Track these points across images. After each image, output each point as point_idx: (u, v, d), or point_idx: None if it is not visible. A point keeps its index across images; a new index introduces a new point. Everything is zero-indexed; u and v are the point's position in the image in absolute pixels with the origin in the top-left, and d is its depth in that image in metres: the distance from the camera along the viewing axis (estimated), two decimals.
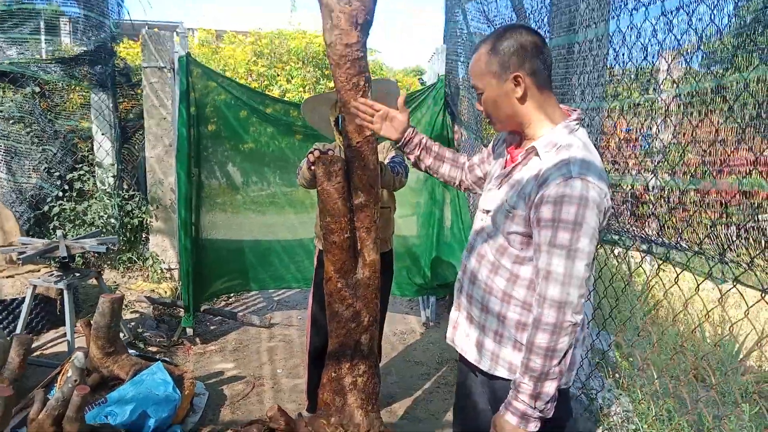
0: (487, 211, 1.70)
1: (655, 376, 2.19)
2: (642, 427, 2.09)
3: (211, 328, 4.67)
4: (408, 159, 2.10)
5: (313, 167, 2.44)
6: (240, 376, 3.80)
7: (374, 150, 2.34)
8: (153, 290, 4.88)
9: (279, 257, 4.63)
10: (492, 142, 1.94)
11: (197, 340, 4.34)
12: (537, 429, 1.52)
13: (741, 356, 2.64)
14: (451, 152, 2.07)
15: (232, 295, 5.24)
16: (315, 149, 2.55)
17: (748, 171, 1.58)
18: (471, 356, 1.74)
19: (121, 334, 3.79)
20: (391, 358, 4.10)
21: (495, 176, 1.75)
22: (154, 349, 4.09)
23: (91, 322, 2.99)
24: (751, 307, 1.38)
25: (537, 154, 1.55)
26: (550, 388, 1.48)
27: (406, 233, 4.81)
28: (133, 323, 4.29)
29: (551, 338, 1.45)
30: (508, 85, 1.56)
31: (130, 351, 3.71)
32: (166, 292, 4.89)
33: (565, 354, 1.47)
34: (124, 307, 4.61)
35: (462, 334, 1.78)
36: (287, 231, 4.78)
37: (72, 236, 4.45)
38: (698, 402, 2.09)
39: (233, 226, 4.67)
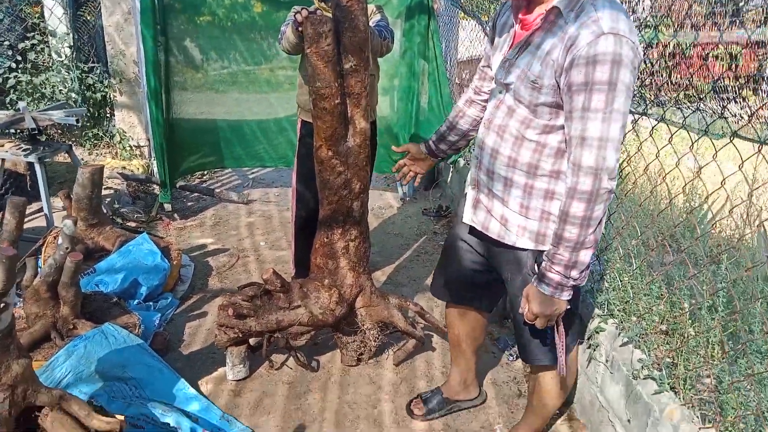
0: (507, 85, 1.61)
1: (630, 242, 2.32)
2: (618, 282, 2.24)
3: (189, 204, 4.65)
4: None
5: (300, 29, 2.32)
6: (223, 249, 3.86)
7: (364, 11, 2.23)
8: (124, 168, 4.77)
9: (254, 135, 4.53)
10: (492, 20, 1.85)
11: (176, 215, 4.33)
12: (570, 297, 1.58)
13: (712, 221, 2.81)
14: (465, 103, 2.02)
15: (206, 172, 5.17)
16: (303, 8, 2.41)
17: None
18: (494, 232, 1.76)
19: None
20: (371, 230, 4.20)
21: (507, 46, 1.64)
22: (133, 224, 4.08)
23: (72, 194, 2.93)
24: (746, 160, 1.44)
25: (559, 15, 1.43)
26: (585, 256, 1.49)
27: (383, 113, 4.74)
28: (108, 199, 4.23)
29: (587, 207, 1.43)
30: None
31: None
32: (138, 168, 4.79)
33: (600, 222, 1.47)
34: None
35: (482, 211, 1.79)
36: (262, 109, 4.64)
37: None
38: (669, 264, 2.24)
39: (204, 104, 4.50)
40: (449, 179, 4.64)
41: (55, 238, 3.08)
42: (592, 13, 1.37)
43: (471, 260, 2.00)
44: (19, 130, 3.86)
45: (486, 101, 1.90)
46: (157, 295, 3.05)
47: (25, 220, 3.85)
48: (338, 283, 2.49)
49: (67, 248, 2.30)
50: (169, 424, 2.17)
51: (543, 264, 1.55)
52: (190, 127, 4.27)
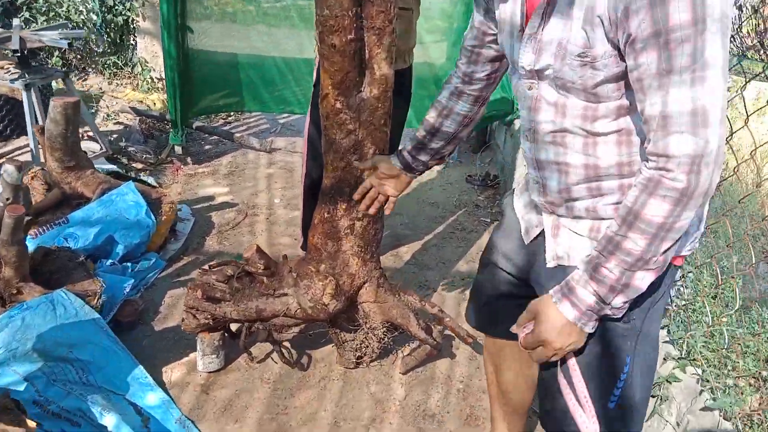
0: (539, 72, 1.10)
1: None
2: (707, 314, 1.63)
3: (206, 148, 4.20)
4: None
5: None
6: (232, 203, 3.40)
7: None
8: (141, 101, 4.35)
9: (282, 77, 3.97)
10: None
11: (188, 159, 3.90)
12: (593, 329, 1.07)
13: None
14: (450, 97, 1.48)
15: (231, 114, 4.70)
16: None
17: None
18: (581, 255, 1.15)
19: (98, 147, 3.34)
20: (402, 197, 3.66)
21: (519, 16, 1.12)
22: (139, 166, 3.67)
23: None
24: None
25: None
26: (643, 281, 0.99)
27: (434, 60, 4.09)
28: (115, 135, 3.83)
29: (672, 210, 0.93)
30: None
31: (110, 166, 3.29)
32: (155, 103, 4.36)
33: (681, 235, 0.96)
34: (106, 116, 4.12)
35: (566, 237, 1.21)
36: (294, 48, 4.07)
37: None
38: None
39: (230, 36, 3.97)
40: (502, 142, 3.99)
41: (32, 178, 2.68)
42: None
43: (506, 281, 1.45)
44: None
45: (481, 92, 1.45)
46: (139, 255, 2.63)
47: (20, 152, 3.51)
48: (337, 270, 1.98)
49: (7, 199, 1.87)
50: (106, 428, 1.76)
51: (577, 276, 1.06)
52: (209, 62, 3.76)
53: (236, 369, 2.15)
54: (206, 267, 1.99)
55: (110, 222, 2.52)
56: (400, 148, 1.66)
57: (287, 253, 2.83)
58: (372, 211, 1.75)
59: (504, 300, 1.47)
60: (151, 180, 3.32)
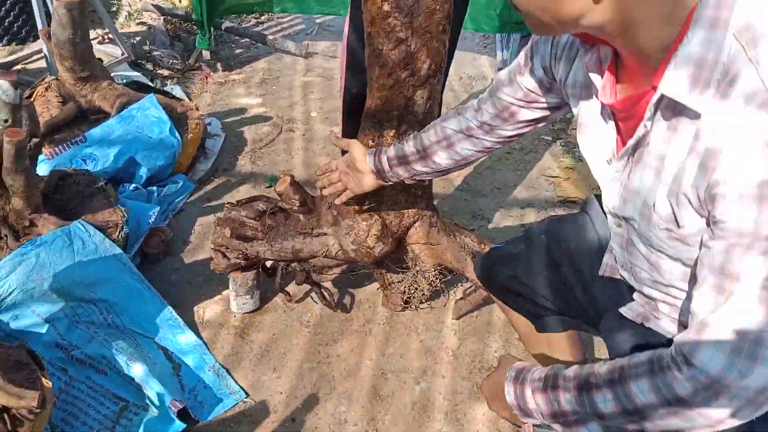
0: (626, 219, 0.93)
1: None
2: None
3: (237, 52, 3.85)
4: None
5: None
6: (266, 116, 3.11)
7: None
8: None
9: None
10: (531, 45, 1.08)
11: (218, 65, 3.57)
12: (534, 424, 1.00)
13: None
14: (459, 130, 1.25)
15: (264, 13, 4.27)
16: None
17: None
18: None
19: (119, 51, 3.04)
20: (454, 107, 3.29)
21: (609, 142, 0.92)
22: (165, 72, 3.38)
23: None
24: None
25: (680, 106, 0.74)
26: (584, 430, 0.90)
27: None
28: (138, 38, 3.50)
29: (656, 406, 0.79)
30: None
31: (134, 73, 3.01)
32: (181, 0, 3.96)
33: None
34: (128, 16, 3.78)
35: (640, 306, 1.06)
36: None
37: None
38: None
39: None
40: None
41: (46, 89, 2.43)
42: (747, 90, 0.68)
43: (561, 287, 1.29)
44: None
45: (495, 145, 1.25)
46: (166, 177, 2.41)
47: (38, 57, 3.24)
48: (383, 208, 1.71)
49: (5, 121, 1.62)
50: (133, 378, 1.61)
51: (537, 375, 0.98)
52: None
53: (273, 309, 1.96)
54: (234, 202, 1.74)
55: (131, 141, 2.28)
56: (380, 147, 1.42)
57: None
58: (327, 193, 1.54)
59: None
60: (177, 90, 3.04)
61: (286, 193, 1.67)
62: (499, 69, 3.72)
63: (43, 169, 2.14)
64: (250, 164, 2.70)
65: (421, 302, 1.97)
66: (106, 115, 2.38)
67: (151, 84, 2.90)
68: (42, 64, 3.02)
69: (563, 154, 2.89)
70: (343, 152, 2.43)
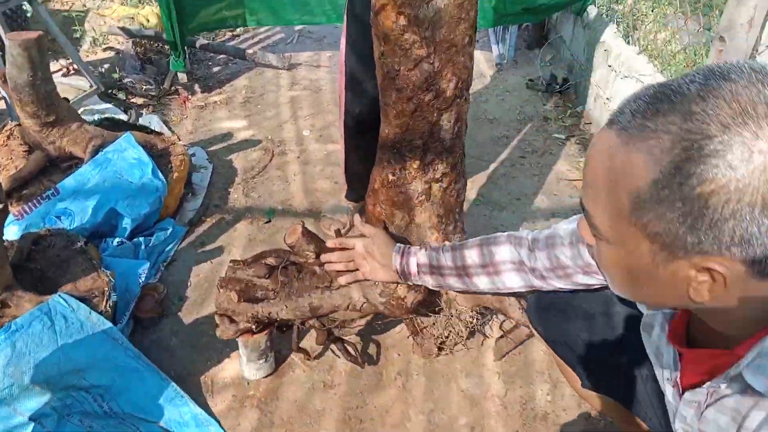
0: None
1: None
2: None
3: (215, 70, 3.58)
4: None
5: None
6: (254, 140, 2.86)
7: None
8: (132, 17, 3.68)
9: None
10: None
11: (196, 87, 3.31)
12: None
13: None
14: (508, 261, 1.16)
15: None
16: None
17: None
18: None
19: (87, 83, 2.77)
20: None
21: (669, 387, 0.82)
22: (140, 101, 3.10)
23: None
24: None
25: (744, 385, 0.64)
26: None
27: None
28: (107, 65, 3.22)
29: None
30: (680, 269, 0.60)
31: (105, 106, 2.74)
32: (148, 19, 3.69)
33: None
34: (93, 42, 3.50)
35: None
36: None
37: None
38: None
39: None
40: (570, 35, 3.29)
41: (8, 137, 2.16)
42: None
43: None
44: None
45: (542, 288, 1.15)
46: (152, 225, 2.15)
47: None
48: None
49: None
50: None
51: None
52: None
53: (290, 370, 1.72)
54: (239, 260, 1.50)
55: (110, 189, 2.02)
56: (409, 247, 1.29)
57: (330, 202, 2.35)
58: (332, 269, 1.40)
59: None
60: (154, 121, 2.78)
61: (298, 245, 1.43)
62: (497, 64, 3.50)
63: (12, 232, 1.88)
64: (244, 197, 2.45)
65: (456, 344, 1.74)
66: (78, 162, 2.13)
67: (125, 118, 2.64)
68: (1, 106, 2.74)
69: (580, 153, 2.68)
70: (348, 176, 2.22)
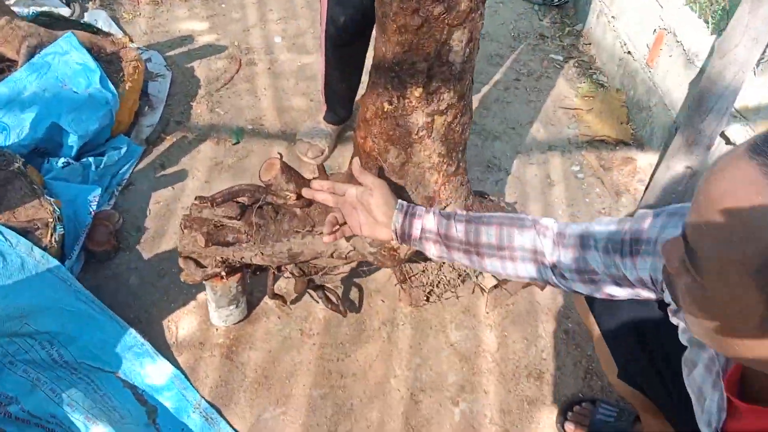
0: None
1: None
2: None
3: None
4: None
5: None
6: (219, 46, 2.53)
7: None
8: None
9: None
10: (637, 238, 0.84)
11: None
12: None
13: None
14: (530, 236, 0.96)
15: None
16: None
17: None
18: None
19: None
20: None
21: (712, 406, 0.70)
22: None
23: None
24: None
25: None
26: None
27: None
28: None
29: None
30: None
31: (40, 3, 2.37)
32: None
33: None
34: None
35: None
36: None
37: None
38: None
39: None
40: None
41: None
42: None
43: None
44: None
45: (561, 288, 0.98)
46: (104, 142, 1.89)
47: None
48: (407, 194, 1.28)
49: None
50: None
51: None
52: None
53: (264, 316, 1.56)
54: (205, 197, 1.28)
55: (51, 100, 1.73)
56: (414, 206, 1.07)
57: (307, 123, 2.10)
58: (327, 235, 1.12)
59: None
60: (101, 18, 2.42)
61: (276, 183, 1.21)
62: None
63: None
64: (209, 113, 2.18)
65: (446, 291, 1.60)
66: (11, 65, 1.81)
67: (66, 14, 2.27)
68: None
69: (579, 77, 2.46)
70: (327, 94, 1.97)
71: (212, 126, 2.12)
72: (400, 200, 1.08)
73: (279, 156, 1.25)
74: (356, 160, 1.11)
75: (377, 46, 1.18)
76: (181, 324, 1.52)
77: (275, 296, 1.47)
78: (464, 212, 1.05)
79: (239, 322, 1.53)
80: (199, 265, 1.35)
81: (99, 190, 1.66)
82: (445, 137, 1.24)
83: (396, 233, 1.06)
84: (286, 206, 1.27)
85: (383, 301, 1.61)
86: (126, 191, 1.85)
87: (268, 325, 1.54)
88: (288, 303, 1.55)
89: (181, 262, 1.34)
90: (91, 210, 1.62)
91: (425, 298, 1.58)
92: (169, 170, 1.94)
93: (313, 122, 2.07)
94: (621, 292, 0.91)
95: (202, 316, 1.54)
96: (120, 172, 1.87)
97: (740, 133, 1.64)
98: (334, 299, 1.49)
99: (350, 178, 1.30)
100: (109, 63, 1.93)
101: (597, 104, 2.29)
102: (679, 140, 1.60)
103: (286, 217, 1.30)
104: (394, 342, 1.52)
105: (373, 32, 1.29)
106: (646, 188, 1.85)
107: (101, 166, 1.80)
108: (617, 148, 2.12)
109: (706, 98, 1.50)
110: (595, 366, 1.51)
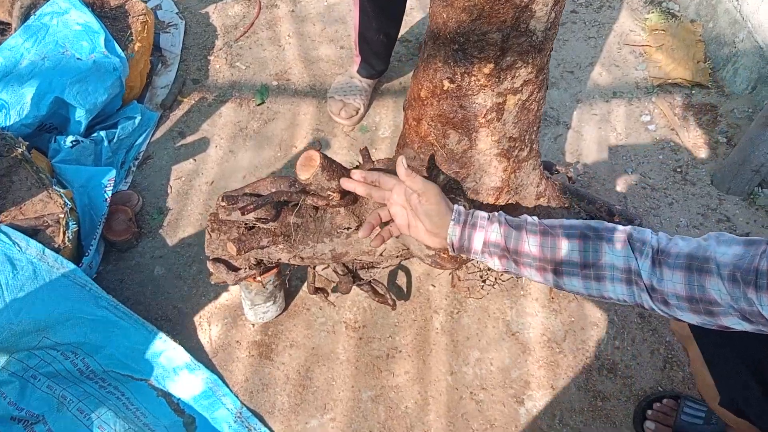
0: None
1: None
2: None
3: None
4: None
5: None
6: None
7: None
8: None
9: None
10: None
11: None
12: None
13: None
14: (623, 252, 0.78)
15: None
16: None
17: None
18: None
19: None
20: None
21: None
22: None
23: None
24: None
25: None
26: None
27: None
28: None
29: None
30: None
31: None
32: None
33: None
34: None
35: None
36: None
37: None
38: None
39: None
40: None
41: None
42: None
43: None
44: None
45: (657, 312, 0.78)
46: (115, 112, 1.70)
47: None
48: (469, 185, 1.09)
49: None
50: None
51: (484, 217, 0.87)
52: None
53: (304, 308, 1.42)
54: (233, 196, 1.10)
55: (53, 70, 1.53)
56: (473, 212, 0.89)
57: (339, 79, 1.87)
58: (374, 240, 0.97)
59: None
60: None
61: (316, 182, 1.02)
62: None
63: None
64: (228, 68, 1.95)
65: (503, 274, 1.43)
66: (4, 28, 1.60)
67: None
68: None
69: (646, 6, 2.14)
70: (361, 43, 1.73)
71: (233, 84, 1.90)
72: (456, 207, 0.89)
73: (317, 147, 1.05)
74: (402, 159, 0.90)
75: (434, 9, 0.95)
76: (214, 320, 1.39)
77: (317, 291, 1.32)
78: (535, 219, 0.87)
79: (278, 316, 1.39)
80: (230, 267, 1.19)
81: (114, 173, 1.49)
82: (518, 119, 1.02)
83: (453, 246, 0.88)
84: (330, 206, 1.09)
85: (434, 286, 1.45)
86: (144, 166, 1.68)
87: (308, 319, 1.40)
88: (330, 294, 1.40)
89: (209, 265, 1.18)
90: (107, 196, 1.45)
91: (481, 285, 1.41)
92: (189, 139, 1.75)
93: (345, 76, 1.83)
94: (746, 327, 0.73)
95: (237, 309, 1.41)
96: (135, 144, 1.69)
97: None
98: (381, 291, 1.34)
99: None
100: (113, 20, 1.70)
101: (668, 39, 1.99)
102: None
103: (327, 215, 1.12)
104: (449, 333, 1.37)
105: None
106: (736, 145, 1.60)
107: (114, 140, 1.62)
108: (693, 92, 1.85)
109: None
110: (675, 355, 1.35)
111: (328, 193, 1.05)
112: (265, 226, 1.11)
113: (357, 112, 1.78)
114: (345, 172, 1.07)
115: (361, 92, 1.80)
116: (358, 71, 1.80)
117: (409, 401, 1.28)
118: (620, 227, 0.80)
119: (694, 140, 1.74)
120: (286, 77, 1.92)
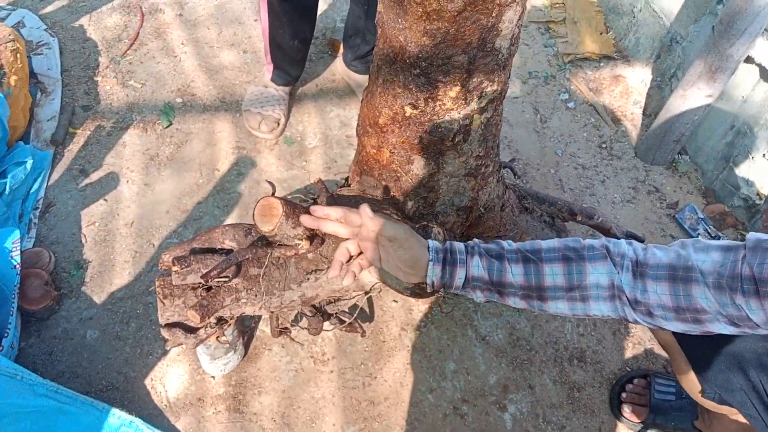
0: None
1: None
2: None
3: None
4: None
5: None
6: None
7: None
8: None
9: None
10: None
11: None
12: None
13: None
14: (604, 269, 0.78)
15: None
16: None
17: None
18: None
19: None
20: None
21: None
22: None
23: None
24: None
25: None
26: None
27: None
28: None
29: None
30: None
31: None
32: None
33: None
34: None
35: None
36: None
37: None
38: None
39: None
40: None
41: None
42: None
43: None
44: None
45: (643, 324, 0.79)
46: (2, 158, 1.46)
47: None
48: (441, 206, 1.04)
49: None
50: None
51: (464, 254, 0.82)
52: None
53: (265, 348, 1.32)
54: (186, 256, 0.97)
55: None
56: (451, 246, 0.84)
57: (252, 89, 1.73)
58: (345, 277, 0.87)
59: None
60: None
61: (280, 233, 0.93)
62: None
63: None
64: (121, 88, 1.74)
65: None
66: None
67: None
68: None
69: None
70: (272, 47, 1.59)
71: (131, 106, 1.70)
72: (432, 244, 0.84)
73: (272, 190, 0.95)
74: (365, 208, 0.83)
75: (387, 33, 0.88)
76: (168, 380, 1.26)
77: (281, 333, 1.23)
78: (513, 245, 0.84)
79: (236, 366, 1.28)
80: (187, 329, 1.07)
81: (17, 233, 1.28)
82: (483, 137, 0.99)
83: (432, 285, 0.84)
84: (299, 254, 0.99)
85: (396, 301, 1.41)
86: (46, 216, 1.47)
87: (272, 360, 1.31)
88: (291, 332, 1.32)
89: (164, 332, 1.06)
90: (15, 263, 1.25)
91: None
92: (94, 176, 1.55)
93: (258, 86, 1.70)
94: (731, 331, 0.75)
95: (192, 364, 1.28)
96: (32, 192, 1.47)
97: None
98: (347, 319, 1.27)
99: (362, 192, 1.04)
100: None
101: (569, 12, 2.04)
102: (699, 66, 1.41)
103: (292, 260, 1.03)
104: (421, 349, 1.34)
105: None
106: (650, 115, 1.68)
107: (6, 192, 1.40)
108: (602, 64, 1.91)
109: (738, 18, 1.30)
110: (633, 331, 1.41)
111: (296, 241, 0.96)
112: (226, 285, 1.00)
113: (278, 124, 1.66)
114: (305, 211, 0.98)
115: (279, 101, 1.68)
116: (272, 79, 1.67)
117: (395, 428, 1.24)
118: (596, 243, 0.80)
119: (612, 113, 1.80)
120: (190, 92, 1.75)
